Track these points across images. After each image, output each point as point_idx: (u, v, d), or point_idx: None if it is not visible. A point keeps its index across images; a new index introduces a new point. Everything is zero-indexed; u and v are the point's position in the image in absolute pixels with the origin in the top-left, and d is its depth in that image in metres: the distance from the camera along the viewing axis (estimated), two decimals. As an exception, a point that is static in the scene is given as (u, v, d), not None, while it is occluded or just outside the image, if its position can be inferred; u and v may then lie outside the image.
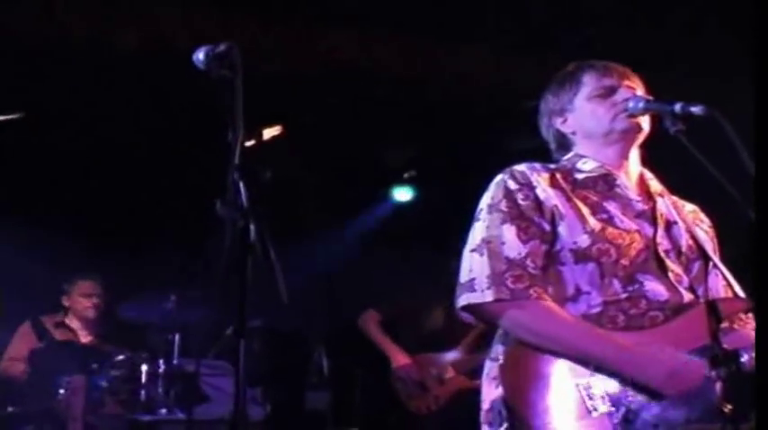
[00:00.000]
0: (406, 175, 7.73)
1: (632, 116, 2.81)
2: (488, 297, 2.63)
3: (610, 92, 2.86)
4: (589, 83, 2.90)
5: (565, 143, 2.97)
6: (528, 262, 2.65)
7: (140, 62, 5.46)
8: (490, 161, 7.27)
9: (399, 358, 5.75)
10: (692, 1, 5.34)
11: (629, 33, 5.33)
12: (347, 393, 5.39)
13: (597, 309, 2.63)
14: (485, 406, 2.73)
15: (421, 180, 7.79)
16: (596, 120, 2.86)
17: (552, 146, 3.01)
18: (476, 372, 5.62)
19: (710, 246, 2.87)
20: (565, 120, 2.94)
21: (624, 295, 2.64)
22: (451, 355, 5.72)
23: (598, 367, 2.54)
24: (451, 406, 5.60)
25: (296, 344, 6.55)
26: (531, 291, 2.62)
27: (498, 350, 2.74)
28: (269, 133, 5.97)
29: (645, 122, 2.84)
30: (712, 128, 2.51)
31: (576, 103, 2.91)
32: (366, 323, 6.01)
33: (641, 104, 2.78)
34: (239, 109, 2.06)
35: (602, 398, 2.51)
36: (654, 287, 2.66)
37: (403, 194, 8.01)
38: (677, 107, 2.63)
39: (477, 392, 5.45)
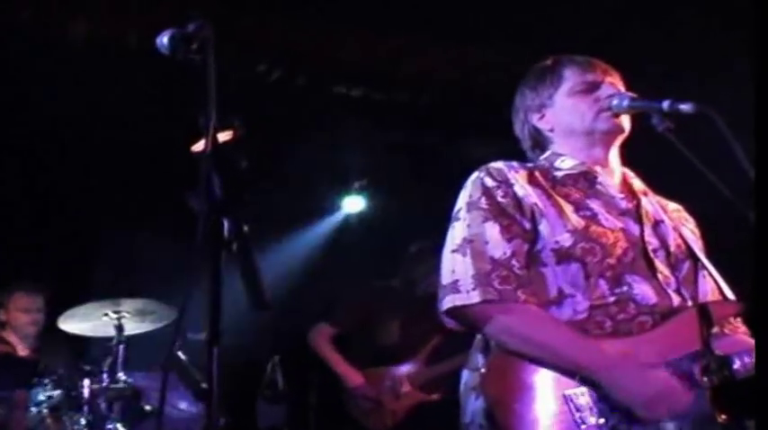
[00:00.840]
0: (357, 185, 7.59)
1: (616, 114, 2.71)
2: (475, 298, 2.49)
3: (593, 87, 2.75)
4: (571, 77, 2.78)
5: (540, 141, 2.85)
6: (513, 261, 2.53)
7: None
8: (446, 170, 7.21)
9: (352, 378, 5.55)
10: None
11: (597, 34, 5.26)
12: (302, 407, 5.22)
13: (583, 315, 2.51)
14: (464, 418, 2.59)
15: (374, 189, 7.66)
16: (578, 116, 2.74)
17: (526, 144, 2.89)
18: (433, 385, 5.50)
19: (698, 246, 2.77)
20: (542, 116, 2.82)
21: (612, 298, 2.52)
22: (407, 369, 5.55)
23: (583, 379, 2.42)
24: (409, 421, 5.45)
25: (247, 356, 6.37)
26: (520, 293, 2.49)
27: (478, 360, 2.60)
28: (224, 136, 5.78)
29: (626, 122, 2.74)
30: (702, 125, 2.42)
31: (556, 98, 2.79)
32: (316, 338, 5.79)
33: (626, 102, 2.68)
34: (212, 93, 1.89)
35: (591, 409, 2.39)
36: (643, 289, 2.54)
37: (355, 204, 7.86)
38: (665, 104, 2.54)
39: (435, 406, 5.36)
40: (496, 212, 2.58)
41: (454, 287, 2.53)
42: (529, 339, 2.47)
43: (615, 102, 2.69)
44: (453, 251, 2.59)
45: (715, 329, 2.66)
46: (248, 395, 5.69)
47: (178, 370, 5.47)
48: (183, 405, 5.34)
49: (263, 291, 1.90)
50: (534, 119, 2.83)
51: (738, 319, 2.77)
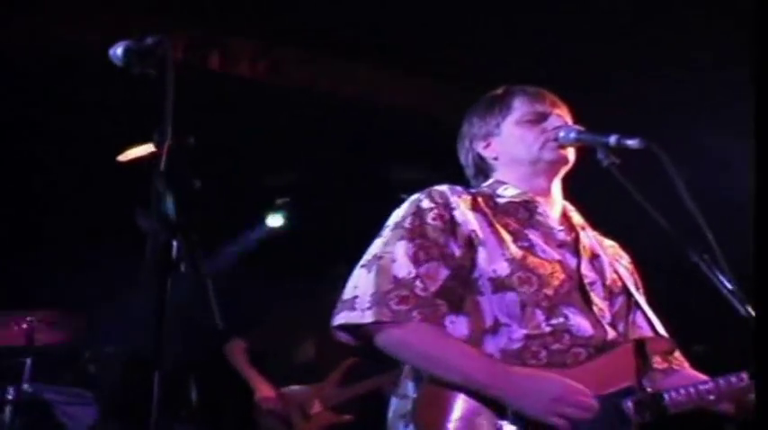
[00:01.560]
0: (279, 202, 7.53)
1: (562, 146, 2.71)
2: (368, 318, 2.46)
3: (540, 118, 2.75)
4: (520, 107, 2.78)
5: (484, 169, 2.85)
6: (417, 282, 2.49)
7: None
8: (372, 190, 7.19)
9: (263, 389, 5.42)
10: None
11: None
12: (216, 426, 5.12)
13: (518, 344, 2.49)
14: None
15: (297, 206, 7.60)
16: (524, 146, 2.74)
17: (470, 172, 2.89)
18: (345, 407, 5.43)
19: (632, 282, 2.79)
20: (488, 145, 2.82)
21: (548, 328, 2.51)
22: (318, 389, 5.43)
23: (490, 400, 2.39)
24: None
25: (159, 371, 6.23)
26: (415, 313, 2.46)
27: (408, 388, 2.56)
28: (144, 149, 5.70)
29: (571, 154, 2.75)
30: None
31: (503, 127, 2.79)
32: (232, 352, 5.68)
33: (573, 134, 2.69)
34: (169, 109, 1.83)
35: None
36: (578, 321, 2.55)
37: (275, 220, 7.79)
38: (612, 139, 2.56)
39: (344, 428, 5.29)
40: (417, 234, 2.56)
41: (351, 304, 2.51)
42: (420, 352, 2.46)
43: (562, 134, 2.69)
44: (362, 266, 2.58)
45: (664, 365, 2.74)
46: (162, 413, 5.55)
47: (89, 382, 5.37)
48: (83, 421, 5.20)
49: (215, 313, 1.85)
50: (480, 147, 2.83)
51: (677, 355, 2.81)
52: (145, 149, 5.85)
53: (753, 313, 2.18)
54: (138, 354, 6.45)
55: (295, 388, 5.40)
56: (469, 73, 5.58)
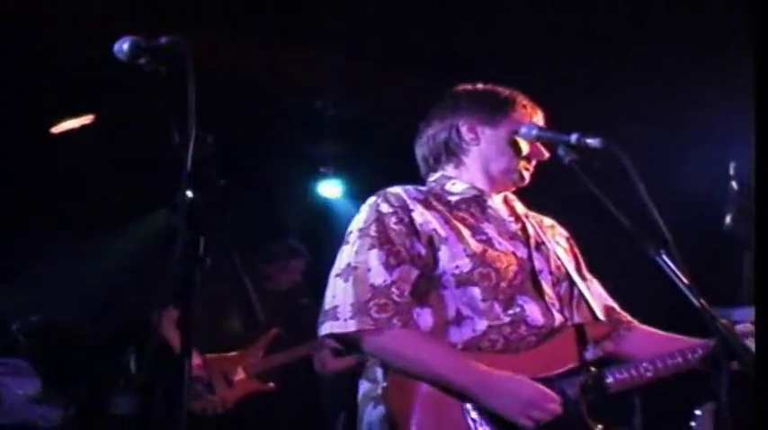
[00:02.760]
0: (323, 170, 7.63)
1: (527, 168, 2.85)
2: (351, 327, 2.60)
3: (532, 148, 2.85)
4: (518, 122, 2.84)
5: (451, 149, 2.89)
6: (393, 289, 2.62)
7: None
8: (291, 163, 7.23)
9: (194, 360, 5.48)
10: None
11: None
12: (151, 397, 5.17)
13: (479, 333, 2.66)
14: (362, 426, 2.70)
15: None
16: (504, 162, 2.85)
17: (430, 148, 2.93)
18: (269, 376, 5.54)
19: (572, 264, 2.96)
20: (475, 128, 2.87)
21: (506, 319, 2.68)
22: (242, 357, 5.49)
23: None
24: (239, 410, 5.38)
25: (84, 342, 6.24)
26: (395, 321, 2.60)
27: (377, 372, 2.71)
28: (78, 122, 5.69)
29: (527, 177, 2.87)
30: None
31: (502, 126, 2.86)
32: (162, 320, 5.71)
33: (534, 132, 2.80)
34: (192, 108, 1.92)
35: (486, 420, 2.56)
36: (532, 311, 2.72)
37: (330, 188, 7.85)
38: (573, 138, 2.67)
39: (268, 396, 5.40)
40: (384, 240, 2.67)
41: (333, 313, 2.63)
42: (402, 356, 2.60)
43: (524, 130, 2.80)
44: (337, 275, 2.69)
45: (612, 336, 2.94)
46: (101, 383, 5.59)
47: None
48: (22, 390, 5.20)
49: (256, 307, 1.96)
50: (466, 126, 2.86)
51: (623, 317, 3.02)
52: (78, 122, 5.85)
53: (706, 307, 2.37)
54: (63, 325, 6.45)
55: (222, 355, 5.45)
56: (386, 51, 5.75)
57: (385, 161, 5.23)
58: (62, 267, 6.79)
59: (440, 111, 2.94)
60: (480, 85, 2.96)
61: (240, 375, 5.48)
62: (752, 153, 2.52)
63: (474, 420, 2.56)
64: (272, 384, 5.57)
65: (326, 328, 2.64)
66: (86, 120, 5.89)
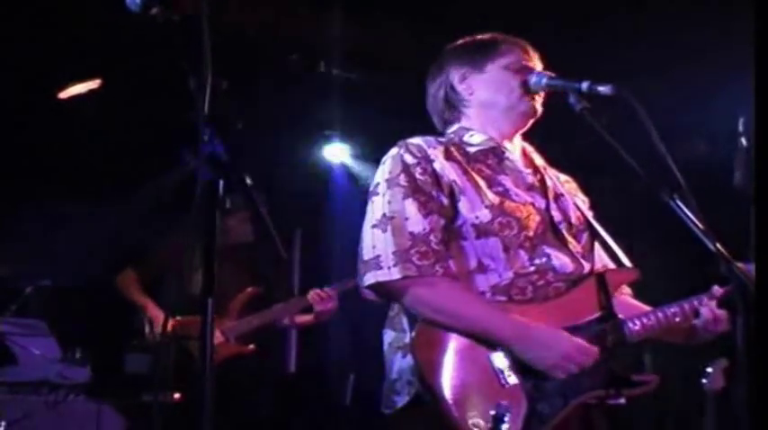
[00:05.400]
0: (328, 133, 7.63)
1: (533, 96, 2.84)
2: (396, 274, 2.62)
3: (524, 70, 2.86)
4: (509, 54, 2.88)
5: (454, 104, 2.92)
6: (431, 237, 2.65)
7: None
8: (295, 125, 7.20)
9: (160, 319, 5.40)
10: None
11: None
12: (166, 357, 5.19)
13: (507, 281, 2.68)
14: (391, 375, 2.73)
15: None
16: (505, 92, 2.86)
17: (437, 106, 2.96)
18: (248, 337, 5.54)
19: (592, 216, 2.96)
20: (465, 79, 2.90)
21: (532, 268, 2.69)
22: (218, 320, 5.27)
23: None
24: (221, 372, 5.33)
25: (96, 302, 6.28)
26: (438, 267, 2.63)
27: (402, 321, 2.74)
28: (84, 87, 5.69)
29: (540, 105, 2.87)
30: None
31: (488, 67, 2.88)
32: (123, 283, 5.64)
33: (545, 80, 2.81)
34: (208, 54, 1.92)
35: (513, 369, 2.58)
36: (560, 258, 2.73)
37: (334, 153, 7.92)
38: (584, 86, 2.68)
39: (248, 358, 5.39)
40: (415, 189, 2.69)
41: (376, 263, 2.64)
42: (442, 310, 2.62)
43: (534, 79, 2.81)
44: (374, 226, 2.69)
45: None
46: (115, 342, 5.63)
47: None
48: (38, 350, 5.25)
49: (277, 244, 1.98)
50: (456, 79, 2.90)
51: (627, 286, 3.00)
52: (86, 86, 5.86)
53: (722, 250, 2.38)
54: (76, 287, 6.49)
55: (194, 317, 5.10)
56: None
57: (390, 123, 5.23)
58: (73, 229, 6.81)
59: (432, 72, 2.98)
60: (468, 38, 2.98)
61: (218, 339, 5.39)
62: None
63: (500, 370, 2.58)
64: (251, 346, 5.56)
65: (370, 278, 2.65)
66: (93, 84, 5.89)
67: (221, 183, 1.90)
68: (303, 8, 5.89)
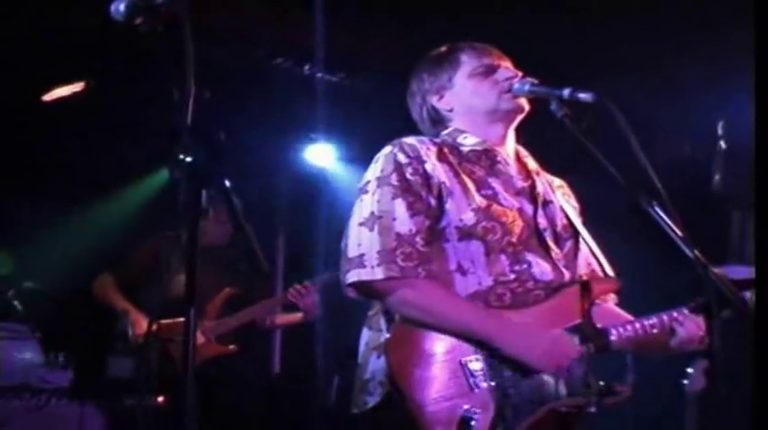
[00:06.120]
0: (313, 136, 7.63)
1: (516, 97, 2.88)
2: (379, 274, 2.64)
3: (490, 70, 2.91)
4: (469, 62, 2.93)
5: (440, 119, 2.99)
6: (417, 238, 2.68)
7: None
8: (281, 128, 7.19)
9: (140, 323, 5.43)
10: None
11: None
12: (148, 360, 5.20)
13: (485, 288, 2.70)
14: (364, 375, 2.75)
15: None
16: (480, 97, 2.90)
17: (424, 125, 3.02)
18: (228, 338, 5.55)
19: (579, 223, 2.99)
20: (441, 97, 2.96)
21: (512, 275, 2.72)
22: (200, 321, 5.39)
23: (480, 343, 2.62)
24: (203, 373, 5.20)
25: (80, 306, 6.27)
26: (420, 269, 2.65)
27: (380, 322, 2.75)
28: (68, 90, 5.69)
29: (526, 103, 2.91)
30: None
31: (455, 80, 2.93)
32: (101, 288, 5.68)
33: (527, 87, 2.84)
34: (191, 65, 1.94)
35: (483, 373, 2.60)
36: (541, 266, 2.76)
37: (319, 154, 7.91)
38: (565, 92, 2.70)
39: (232, 359, 5.40)
40: (405, 189, 2.71)
41: (360, 261, 2.66)
42: (427, 310, 2.64)
43: (517, 85, 2.85)
44: (360, 224, 2.71)
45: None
46: (98, 345, 5.63)
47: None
48: (20, 354, 5.25)
49: (259, 257, 2.00)
50: (433, 100, 2.96)
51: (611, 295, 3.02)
52: (70, 89, 5.86)
53: (699, 256, 2.41)
54: (59, 290, 6.48)
55: (174, 321, 5.12)
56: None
57: (375, 126, 5.25)
58: (55, 233, 6.81)
59: (408, 94, 3.04)
60: (427, 56, 3.03)
61: (199, 339, 5.42)
62: (743, 115, 2.55)
63: (471, 374, 2.60)
64: (232, 346, 5.57)
65: (353, 276, 2.67)
66: (77, 87, 5.89)
67: (203, 193, 1.91)
68: (288, 10, 5.89)
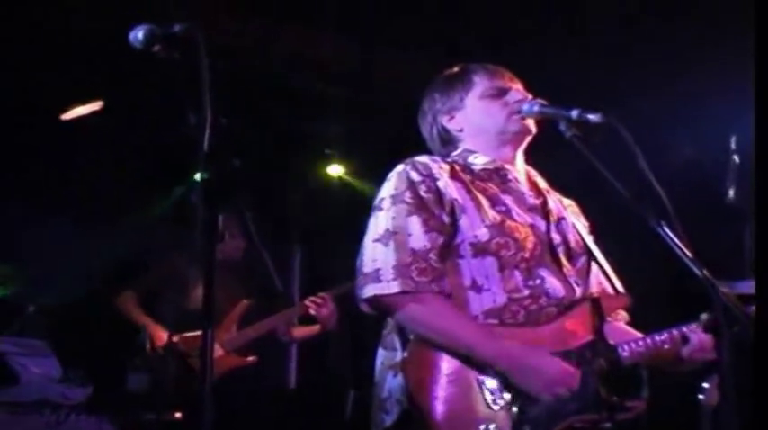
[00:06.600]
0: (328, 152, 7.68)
1: (524, 118, 2.93)
2: (394, 288, 2.69)
3: (501, 92, 2.96)
4: (480, 83, 2.99)
5: (450, 140, 3.04)
6: (431, 254, 2.72)
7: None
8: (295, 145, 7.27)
9: (160, 336, 5.48)
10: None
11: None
12: (166, 375, 5.26)
13: (500, 305, 2.74)
14: (381, 393, 2.79)
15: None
16: (490, 118, 2.95)
17: (435, 144, 3.07)
18: (247, 349, 5.58)
19: (591, 240, 3.03)
20: (452, 118, 3.01)
21: (526, 291, 2.76)
22: (216, 333, 5.31)
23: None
24: (222, 386, 5.17)
25: (98, 321, 6.33)
26: (434, 286, 2.70)
27: (394, 341, 2.80)
28: (87, 108, 5.76)
29: (533, 125, 2.96)
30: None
31: (466, 101, 2.98)
32: (123, 304, 5.73)
33: (536, 108, 2.89)
34: (205, 93, 1.99)
35: (501, 391, 2.64)
36: (553, 283, 2.80)
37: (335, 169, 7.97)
38: (574, 113, 2.74)
39: (248, 370, 5.43)
40: (419, 206, 2.77)
41: (375, 276, 2.72)
42: (432, 328, 2.69)
43: (526, 107, 2.90)
44: (375, 240, 2.77)
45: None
46: (116, 360, 5.69)
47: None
48: (39, 370, 5.31)
49: (274, 278, 2.04)
50: (444, 120, 3.02)
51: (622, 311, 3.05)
52: (88, 108, 5.93)
53: (708, 276, 2.44)
54: (77, 305, 6.55)
55: (192, 334, 5.35)
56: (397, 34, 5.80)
57: (388, 142, 5.29)
58: (73, 250, 6.87)
59: (420, 115, 3.10)
60: (439, 76, 3.09)
61: (218, 352, 5.45)
62: (752, 127, 2.57)
63: (489, 392, 2.64)
64: (250, 358, 5.60)
65: (369, 291, 2.72)
66: (96, 106, 5.96)
67: (220, 217, 1.97)
68: (301, 27, 5.96)
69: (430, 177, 2.82)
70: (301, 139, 7.42)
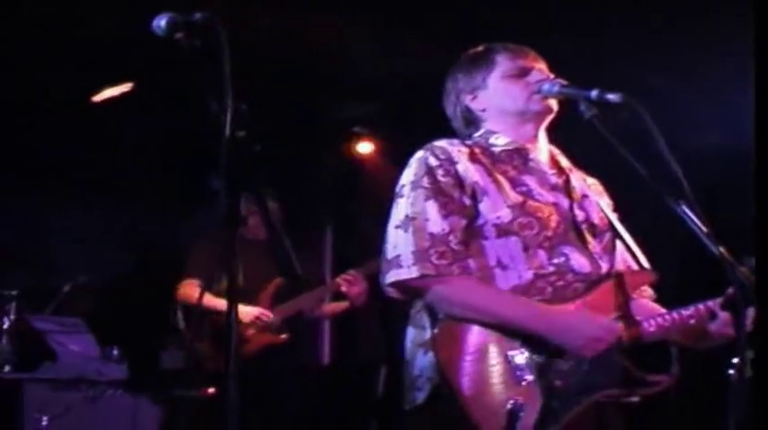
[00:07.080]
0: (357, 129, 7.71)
1: (545, 98, 2.94)
2: (414, 273, 2.73)
3: (523, 73, 2.97)
4: (503, 63, 3.00)
5: (472, 120, 3.06)
6: (451, 237, 2.76)
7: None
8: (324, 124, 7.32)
9: (250, 311, 5.44)
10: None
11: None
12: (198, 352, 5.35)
13: (526, 282, 2.77)
14: (413, 371, 2.83)
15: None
16: (511, 98, 2.97)
17: (458, 123, 3.09)
18: (279, 327, 5.63)
19: (615, 218, 3.04)
20: (475, 98, 3.02)
21: (551, 268, 2.79)
22: (250, 312, 5.45)
23: (524, 335, 2.70)
24: (256, 364, 5.39)
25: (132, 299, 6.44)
26: (455, 268, 2.74)
27: (423, 319, 2.84)
28: (117, 90, 5.83)
29: (555, 104, 2.97)
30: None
31: (489, 81, 3.00)
32: (188, 293, 5.62)
33: (556, 88, 2.90)
34: (227, 80, 2.05)
35: (529, 367, 2.68)
36: (578, 259, 2.82)
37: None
38: (593, 94, 2.75)
39: (282, 347, 5.49)
40: (437, 191, 2.80)
41: (396, 262, 2.77)
42: (465, 305, 2.73)
43: (546, 87, 2.91)
44: (396, 227, 2.82)
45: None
46: (151, 339, 5.79)
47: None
48: (77, 347, 5.43)
49: (294, 262, 2.10)
50: (467, 100, 3.03)
51: (647, 288, 3.07)
52: (119, 89, 6.00)
53: (725, 254, 2.46)
54: (112, 284, 6.67)
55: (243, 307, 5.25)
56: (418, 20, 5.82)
57: (418, 121, 5.32)
58: (108, 229, 6.98)
59: (444, 95, 3.11)
60: (463, 56, 3.10)
61: (251, 331, 5.51)
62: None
63: (518, 367, 2.68)
64: (284, 336, 5.66)
65: (392, 277, 2.77)
66: (126, 87, 6.03)
67: (242, 202, 2.02)
68: (328, 15, 5.98)
69: (449, 161, 2.85)
70: (330, 120, 7.44)
